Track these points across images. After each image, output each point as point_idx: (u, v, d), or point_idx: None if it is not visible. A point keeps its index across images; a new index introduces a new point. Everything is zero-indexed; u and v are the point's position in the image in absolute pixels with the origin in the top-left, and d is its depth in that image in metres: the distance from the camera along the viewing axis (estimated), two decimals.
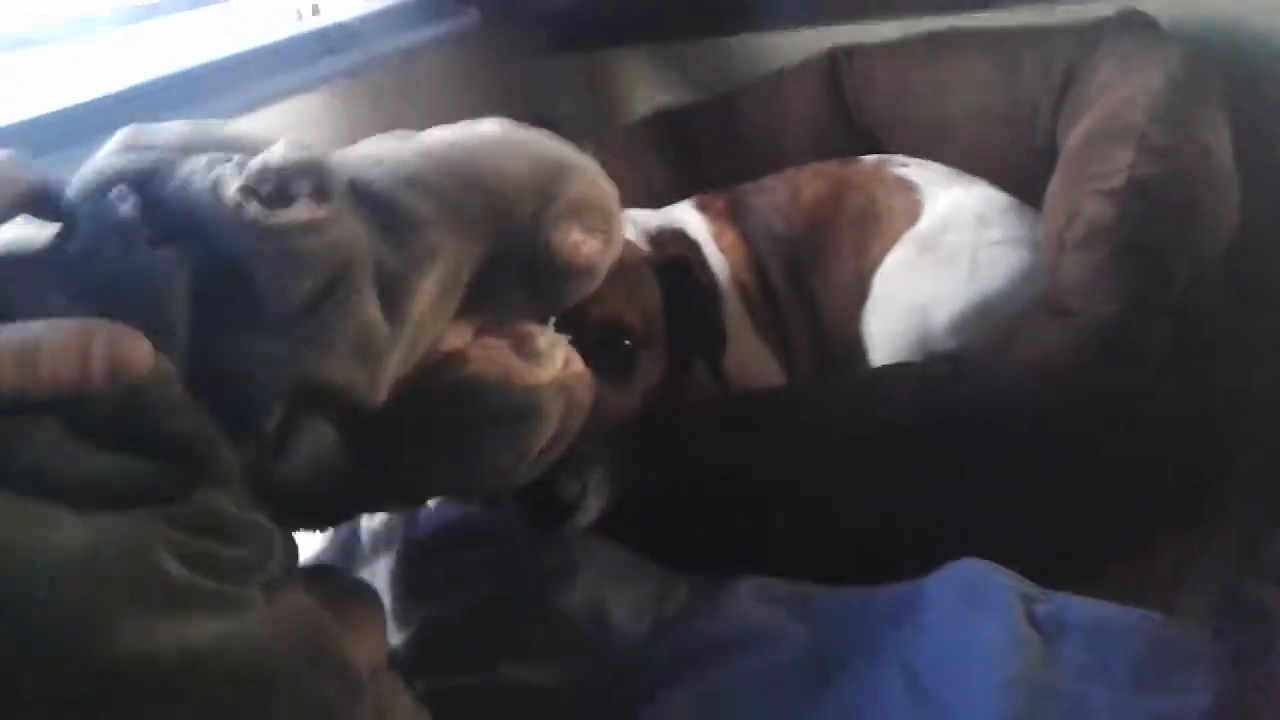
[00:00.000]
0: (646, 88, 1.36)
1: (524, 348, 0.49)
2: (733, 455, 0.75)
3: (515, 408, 0.47)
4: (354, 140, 0.48)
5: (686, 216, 1.02)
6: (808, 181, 1.01)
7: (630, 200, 1.18)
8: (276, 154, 0.39)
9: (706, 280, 0.88)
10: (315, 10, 1.12)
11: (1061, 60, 1.01)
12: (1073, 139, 0.88)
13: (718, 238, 1.00)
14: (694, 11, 1.31)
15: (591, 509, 0.70)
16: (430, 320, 0.44)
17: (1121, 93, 0.88)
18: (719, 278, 0.96)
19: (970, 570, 0.63)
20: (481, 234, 0.45)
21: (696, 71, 1.34)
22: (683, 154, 1.21)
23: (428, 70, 1.26)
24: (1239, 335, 0.85)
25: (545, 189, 0.48)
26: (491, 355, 0.47)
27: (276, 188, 0.39)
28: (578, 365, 0.52)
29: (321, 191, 0.40)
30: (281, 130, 0.45)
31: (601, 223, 0.51)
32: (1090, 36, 1.01)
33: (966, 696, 0.56)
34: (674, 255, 0.84)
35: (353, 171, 0.43)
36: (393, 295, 0.41)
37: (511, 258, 0.47)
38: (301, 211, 0.39)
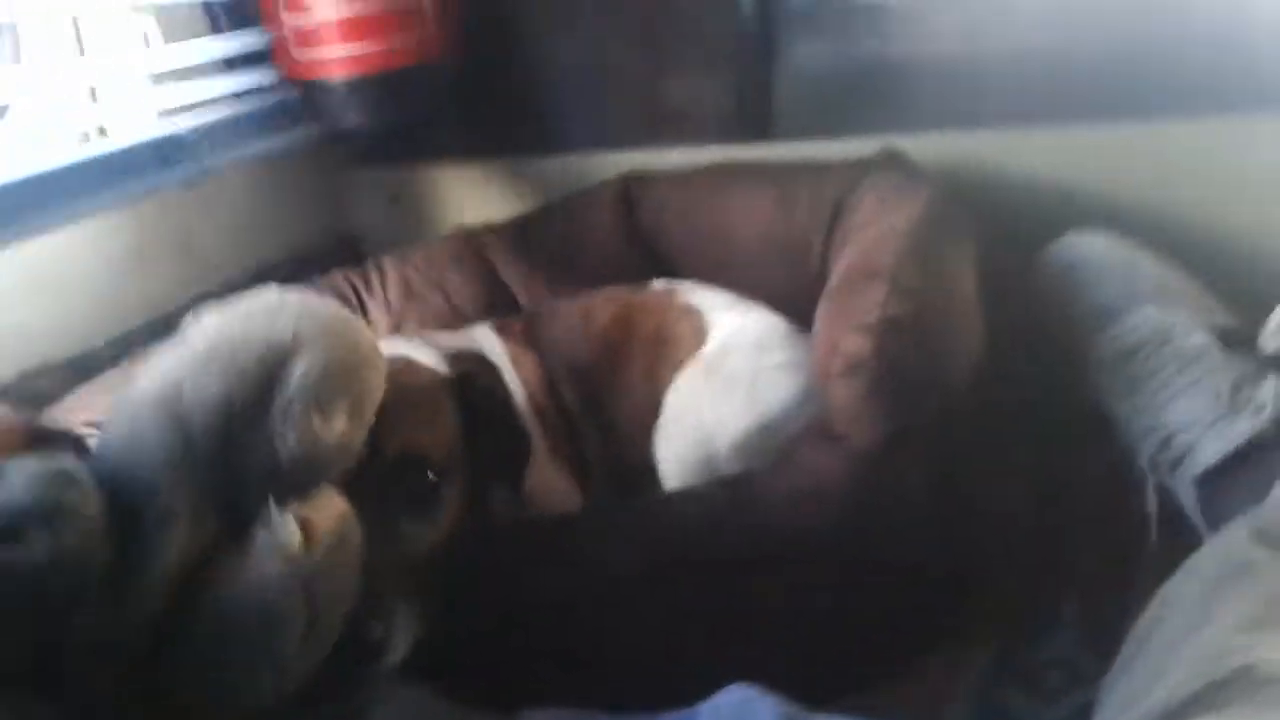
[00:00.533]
0: (451, 205, 1.38)
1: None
2: (519, 584, 0.76)
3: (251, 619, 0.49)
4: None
5: (484, 339, 1.04)
6: (601, 307, 1.05)
7: (431, 315, 1.20)
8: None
9: (504, 396, 0.90)
10: (102, 132, 1.09)
11: (831, 195, 1.10)
12: (834, 275, 0.96)
13: (515, 361, 1.02)
14: (495, 133, 1.35)
15: (399, 647, 0.70)
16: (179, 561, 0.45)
17: (877, 230, 0.97)
18: (517, 400, 0.98)
19: (740, 695, 0.66)
20: (215, 465, 0.46)
21: (500, 190, 1.37)
22: (482, 271, 1.23)
23: (234, 186, 1.26)
24: (990, 456, 0.93)
25: (271, 379, 0.49)
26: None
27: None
28: (323, 517, 0.53)
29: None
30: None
31: (343, 397, 0.51)
32: (855, 174, 1.10)
33: None
34: (471, 373, 0.85)
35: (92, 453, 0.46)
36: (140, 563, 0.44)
37: (249, 466, 0.48)
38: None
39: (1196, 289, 0.98)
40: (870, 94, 1.19)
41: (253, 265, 1.26)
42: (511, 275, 1.23)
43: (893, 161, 1.10)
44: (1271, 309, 0.90)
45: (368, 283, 1.21)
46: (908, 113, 1.16)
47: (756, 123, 1.24)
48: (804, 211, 1.12)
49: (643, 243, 1.21)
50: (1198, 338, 0.93)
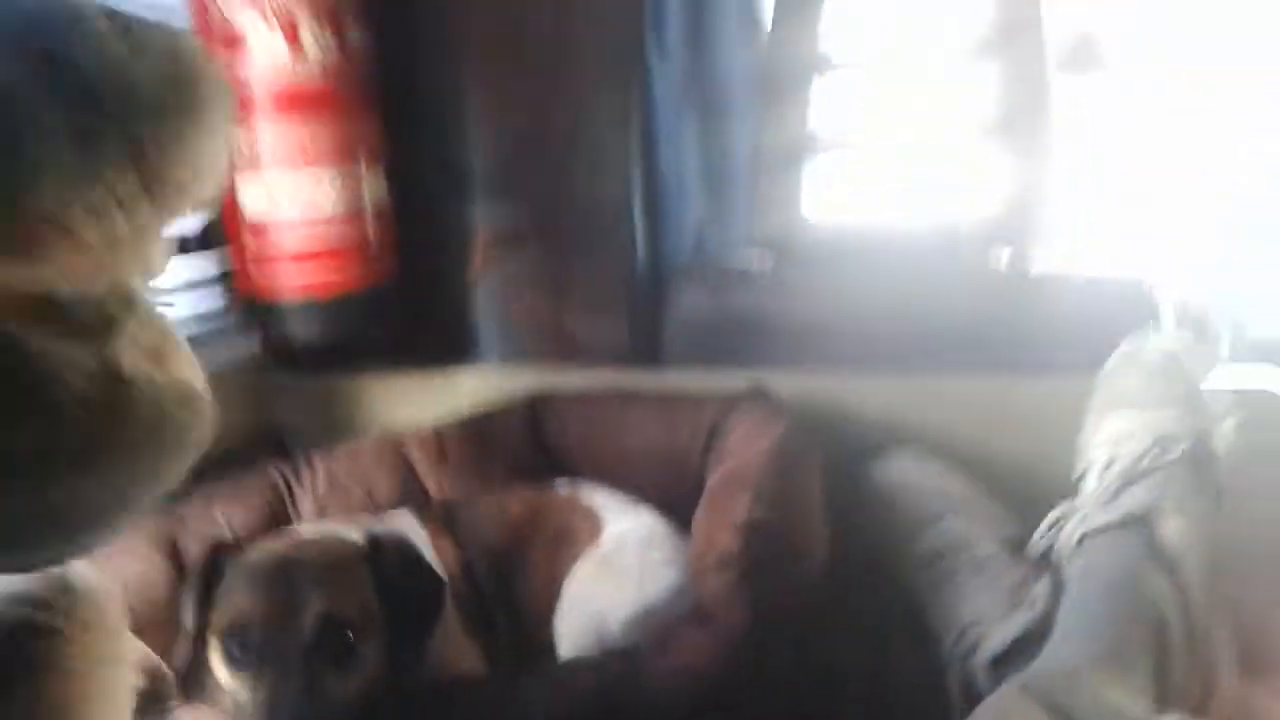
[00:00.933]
0: (375, 410, 1.55)
1: None
2: None
3: None
4: None
5: (406, 522, 1.20)
6: (512, 502, 1.23)
7: (354, 505, 1.34)
8: None
9: (416, 555, 1.05)
10: None
11: (708, 420, 1.32)
12: (711, 482, 1.17)
13: (434, 543, 1.18)
14: (417, 347, 1.54)
15: None
16: None
17: (748, 449, 1.19)
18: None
19: None
20: None
21: (418, 397, 1.54)
22: (402, 470, 1.39)
23: None
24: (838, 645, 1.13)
25: None
26: None
27: None
28: None
29: None
30: None
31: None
32: (729, 403, 1.33)
33: None
34: (382, 536, 1.01)
35: None
36: None
37: None
38: None
39: (989, 504, 1.23)
40: (741, 336, 1.44)
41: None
42: (428, 475, 1.39)
43: (758, 394, 1.33)
44: None
45: (297, 474, 1.36)
46: (771, 353, 1.41)
47: (646, 354, 1.47)
48: (685, 433, 1.34)
49: (547, 451, 1.40)
50: (988, 546, 1.17)
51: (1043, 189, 1.40)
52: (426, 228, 1.50)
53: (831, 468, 1.25)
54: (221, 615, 0.92)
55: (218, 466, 1.28)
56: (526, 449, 1.40)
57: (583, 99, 1.47)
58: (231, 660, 0.90)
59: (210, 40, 1.34)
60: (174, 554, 1.17)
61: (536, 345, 1.51)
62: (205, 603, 0.94)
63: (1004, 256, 1.42)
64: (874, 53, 1.49)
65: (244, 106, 1.34)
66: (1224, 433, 1.14)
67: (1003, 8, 1.41)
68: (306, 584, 0.91)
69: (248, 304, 1.42)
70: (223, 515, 1.24)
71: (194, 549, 1.16)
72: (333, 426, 1.52)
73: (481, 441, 1.40)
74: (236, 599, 0.92)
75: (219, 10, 1.34)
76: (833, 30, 1.47)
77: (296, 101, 1.37)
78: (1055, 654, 0.97)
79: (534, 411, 1.42)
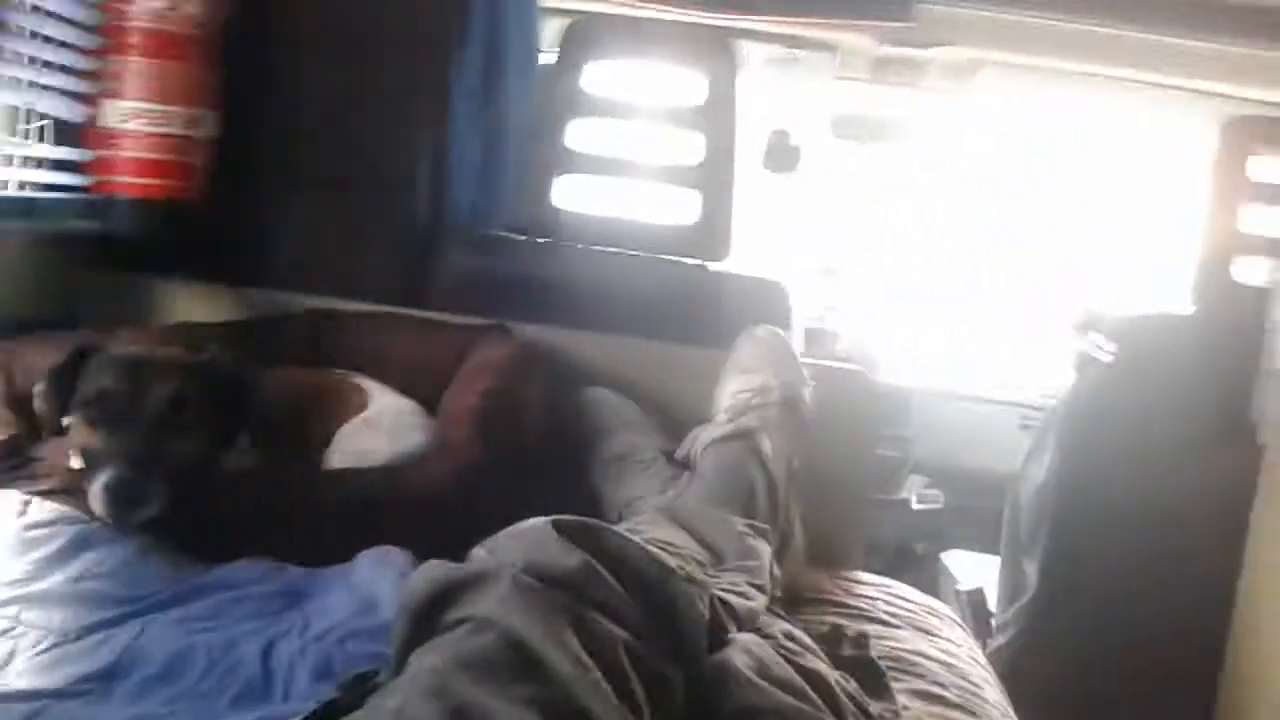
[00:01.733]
0: (171, 313, 1.81)
1: None
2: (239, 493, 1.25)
3: None
4: None
5: None
6: (298, 374, 1.58)
7: None
8: None
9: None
10: None
11: (459, 341, 1.71)
12: (460, 376, 1.57)
13: None
14: (218, 263, 1.83)
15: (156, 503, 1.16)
16: None
17: (486, 357, 1.60)
18: None
19: (379, 550, 1.19)
20: None
21: (211, 308, 1.83)
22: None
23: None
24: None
25: None
26: None
27: None
28: None
29: None
30: None
31: None
32: (477, 332, 1.73)
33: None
34: (216, 359, 1.34)
35: None
36: None
37: None
38: None
39: (656, 428, 1.69)
40: (495, 291, 1.85)
41: None
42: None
43: (501, 329, 1.75)
44: None
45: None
46: (517, 307, 1.81)
47: (417, 296, 1.85)
48: (440, 351, 1.72)
49: (324, 356, 1.74)
50: (651, 453, 1.63)
51: (723, 216, 1.91)
52: (246, 166, 1.82)
53: (553, 389, 1.68)
54: (86, 389, 1.22)
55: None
56: (306, 351, 1.74)
57: (393, 88, 1.87)
58: (90, 422, 1.20)
59: None
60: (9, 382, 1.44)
61: (326, 277, 1.85)
62: (69, 386, 1.23)
63: (693, 257, 1.92)
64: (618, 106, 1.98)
65: (121, 41, 1.65)
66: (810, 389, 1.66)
67: (712, 91, 1.92)
68: (157, 372, 1.23)
69: (91, 200, 1.69)
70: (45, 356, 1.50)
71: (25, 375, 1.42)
72: (131, 320, 1.78)
73: (267, 338, 1.72)
74: (100, 377, 1.22)
75: None
76: (591, 81, 1.94)
77: (163, 45, 1.69)
78: (681, 498, 1.43)
79: (315, 321, 1.76)
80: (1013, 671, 2.02)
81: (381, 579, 1.14)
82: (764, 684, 0.98)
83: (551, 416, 1.65)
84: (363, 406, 1.55)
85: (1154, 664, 2.00)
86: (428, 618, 0.87)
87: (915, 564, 3.06)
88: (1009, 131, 3.02)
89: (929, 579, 2.74)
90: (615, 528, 1.03)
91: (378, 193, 1.86)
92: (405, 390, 1.64)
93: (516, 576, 0.87)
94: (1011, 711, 1.36)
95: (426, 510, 1.33)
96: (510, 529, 1.00)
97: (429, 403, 1.61)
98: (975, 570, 2.65)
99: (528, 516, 0.97)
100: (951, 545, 2.90)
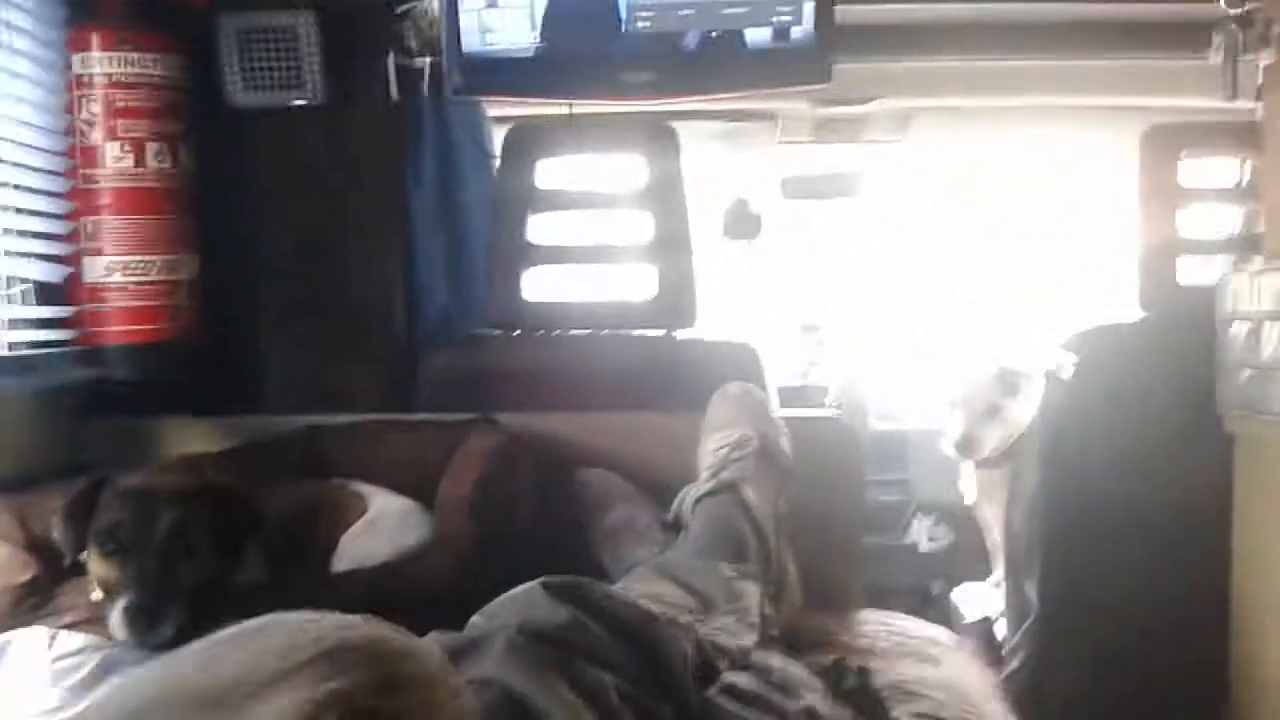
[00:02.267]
0: (174, 449, 1.89)
1: None
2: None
3: None
4: None
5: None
6: (299, 486, 1.65)
7: None
8: None
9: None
10: None
11: (448, 439, 1.79)
12: (452, 462, 1.65)
13: None
14: (213, 397, 1.92)
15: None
16: None
17: (471, 449, 1.68)
18: None
19: None
20: None
21: (209, 440, 1.91)
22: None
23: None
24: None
25: None
26: None
27: None
28: None
29: None
30: None
31: None
32: (464, 427, 1.81)
33: None
34: (217, 483, 1.42)
35: None
36: None
37: None
38: None
39: (647, 497, 1.76)
40: (477, 387, 1.94)
41: None
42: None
43: (486, 421, 1.83)
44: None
45: None
46: (500, 400, 1.90)
47: (401, 402, 1.94)
48: (430, 450, 1.80)
49: (321, 467, 1.82)
50: (645, 521, 1.69)
51: (685, 288, 2.01)
52: (229, 302, 1.93)
53: (542, 472, 1.76)
54: (99, 523, 1.29)
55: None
56: (304, 466, 1.82)
57: (355, 212, 1.99)
58: (105, 553, 1.28)
59: (71, 152, 1.77)
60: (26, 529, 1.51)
61: (311, 396, 1.94)
62: (84, 520, 1.31)
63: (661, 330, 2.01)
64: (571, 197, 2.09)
65: (94, 202, 1.77)
66: (787, 438, 1.74)
67: (653, 172, 2.03)
68: (162, 500, 1.31)
69: (83, 351, 1.79)
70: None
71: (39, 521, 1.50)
72: (135, 461, 1.86)
73: (265, 459, 1.80)
74: (111, 510, 1.30)
75: (82, 133, 1.77)
76: (548, 175, 2.06)
77: (136, 201, 1.80)
78: (672, 555, 1.50)
79: (309, 437, 1.84)
80: (1029, 694, 2.06)
81: None
82: (751, 713, 1.04)
83: (543, 498, 1.73)
84: (363, 511, 1.62)
85: (1163, 665, 2.03)
86: None
87: (932, 605, 3.08)
88: (951, 172, 3.15)
89: (943, 617, 2.77)
90: (599, 583, 1.10)
91: (353, 311, 1.97)
92: (402, 490, 1.72)
93: (510, 637, 0.95)
94: None
95: (430, 600, 1.40)
96: (503, 595, 1.08)
97: (425, 499, 1.69)
98: (988, 601, 2.68)
99: None
100: (967, 579, 2.93)
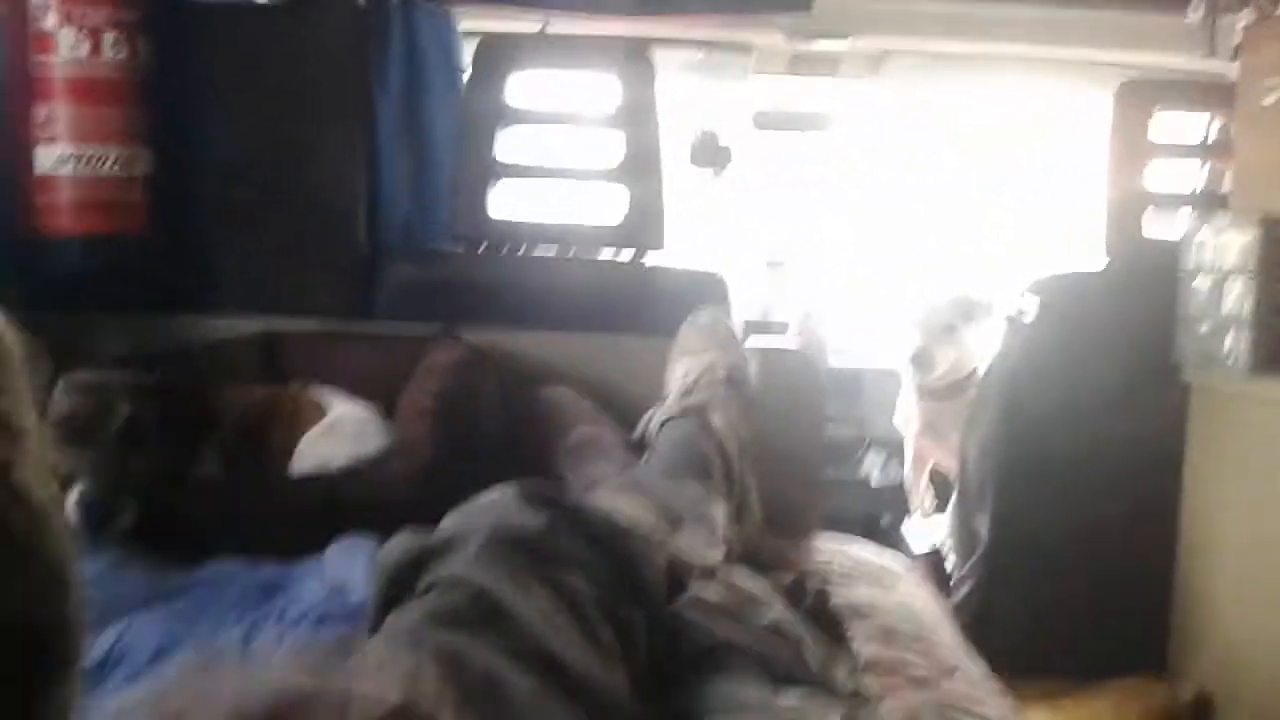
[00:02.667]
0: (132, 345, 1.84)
1: None
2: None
3: None
4: None
5: None
6: (255, 392, 1.62)
7: None
8: None
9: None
10: None
11: (410, 353, 1.76)
12: (412, 383, 1.62)
13: None
14: (160, 293, 1.86)
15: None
16: None
17: (433, 363, 1.65)
18: None
19: (349, 539, 1.23)
20: None
21: (156, 339, 1.86)
22: None
23: None
24: None
25: None
26: None
27: None
28: None
29: None
30: None
31: None
32: (426, 341, 1.78)
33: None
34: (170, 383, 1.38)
35: None
36: None
37: None
38: None
39: (612, 419, 1.75)
40: (440, 300, 1.90)
41: None
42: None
43: (448, 335, 1.80)
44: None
45: None
46: (463, 314, 1.87)
47: (364, 311, 1.90)
48: (392, 362, 1.77)
49: (279, 373, 1.78)
50: (610, 441, 1.68)
51: (653, 212, 1.98)
52: (185, 200, 1.86)
53: (504, 388, 1.73)
54: (52, 412, 1.25)
55: None
56: (261, 370, 1.78)
57: (317, 117, 1.93)
58: (57, 442, 1.24)
59: (23, 38, 1.69)
60: None
61: (273, 298, 1.89)
62: (39, 409, 1.26)
63: (628, 253, 1.99)
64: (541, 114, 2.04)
65: (48, 90, 1.68)
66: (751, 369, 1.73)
67: (626, 93, 1.99)
68: (118, 394, 1.27)
69: (33, 243, 1.72)
70: None
71: None
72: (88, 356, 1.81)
73: (226, 360, 1.76)
74: (64, 401, 1.26)
75: (35, 19, 1.68)
76: (516, 91, 2.00)
77: (91, 91, 1.72)
78: (638, 473, 1.49)
79: (267, 342, 1.80)
80: (976, 622, 2.10)
81: (352, 565, 1.19)
82: (719, 624, 1.04)
83: (506, 415, 1.70)
84: (321, 416, 1.59)
85: (1108, 605, 2.08)
86: (402, 583, 0.92)
87: (881, 537, 3.13)
88: (924, 116, 3.14)
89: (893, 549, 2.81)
90: (572, 493, 1.09)
91: (313, 217, 1.92)
92: (360, 399, 1.69)
93: (485, 539, 0.93)
94: (963, 648, 1.42)
95: (387, 508, 1.38)
96: (478, 499, 1.06)
97: (385, 410, 1.66)
98: (934, 533, 2.72)
99: None
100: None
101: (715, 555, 1.25)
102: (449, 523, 1.02)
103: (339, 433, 1.55)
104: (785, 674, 0.93)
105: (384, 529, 1.30)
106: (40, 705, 0.35)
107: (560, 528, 0.98)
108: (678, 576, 1.13)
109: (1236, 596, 1.92)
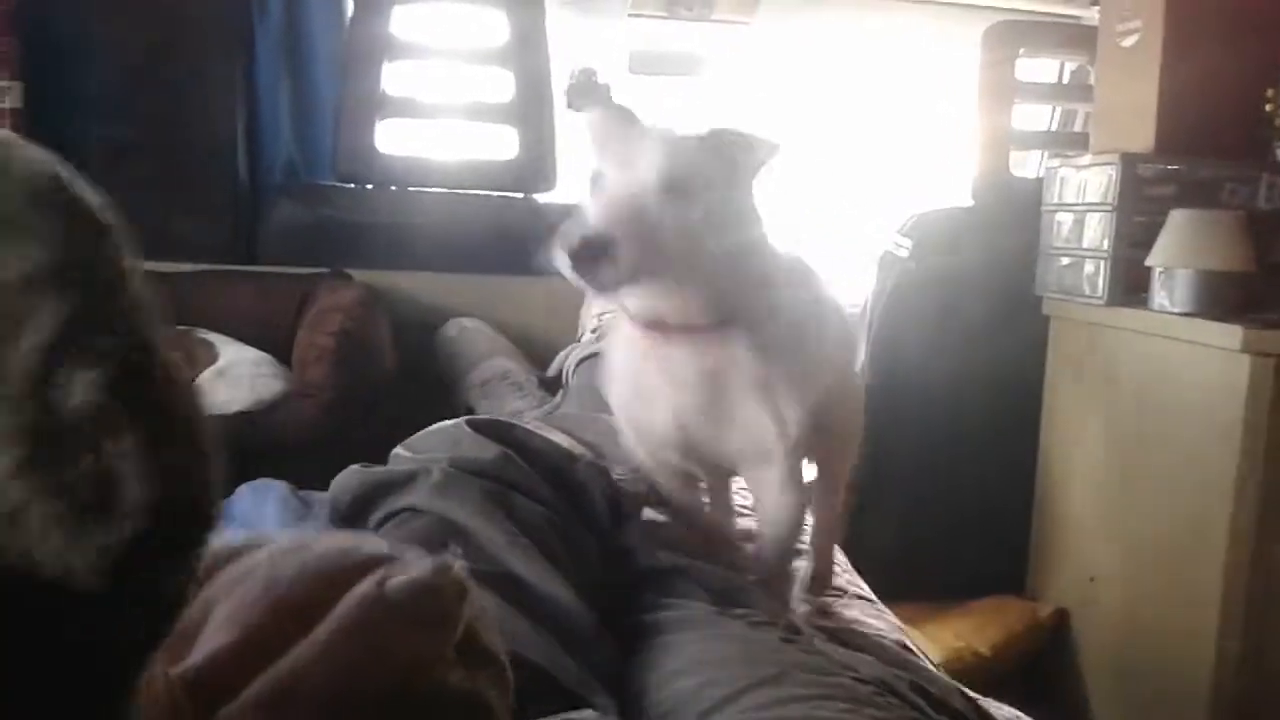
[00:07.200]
0: None
1: None
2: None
3: None
4: None
5: None
6: None
7: None
8: None
9: None
10: None
11: (298, 293, 1.71)
12: (308, 313, 1.57)
13: None
14: None
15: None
16: None
17: (327, 303, 1.60)
18: None
19: (257, 482, 1.19)
20: None
21: None
22: None
23: None
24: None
25: None
26: None
27: None
28: None
29: None
30: None
31: None
32: (315, 280, 1.72)
33: None
34: None
35: None
36: None
37: None
38: None
39: (518, 352, 1.74)
40: (326, 240, 1.84)
41: None
42: None
43: (339, 275, 1.74)
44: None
45: None
46: (351, 254, 1.82)
47: (246, 252, 1.82)
48: (278, 303, 1.71)
49: (166, 313, 1.69)
50: (523, 376, 1.68)
51: (544, 150, 1.96)
52: (56, 135, 1.73)
53: (403, 327, 1.70)
54: None
55: None
56: None
57: (194, 51, 1.82)
58: None
59: None
60: None
61: (150, 243, 1.78)
62: None
63: (518, 191, 1.96)
64: (429, 49, 1.98)
65: None
66: None
67: (514, 28, 1.95)
68: None
69: None
70: None
71: None
72: None
73: None
74: None
75: None
76: (405, 23, 1.94)
77: None
78: (558, 410, 1.49)
79: (154, 283, 1.70)
80: (849, 544, 2.18)
81: (263, 505, 1.15)
82: (662, 548, 1.07)
83: (403, 354, 1.67)
84: (213, 360, 1.53)
85: (972, 527, 2.19)
86: (356, 518, 0.91)
87: None
88: (797, 59, 3.18)
89: None
90: (519, 424, 1.10)
91: (190, 154, 1.82)
92: (248, 341, 1.64)
93: (445, 470, 0.93)
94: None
95: (295, 450, 1.35)
96: (424, 431, 1.05)
97: (274, 350, 1.61)
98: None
99: (393, 448, 1.06)
100: None
101: (641, 486, 1.27)
102: (401, 453, 1.02)
103: (233, 376, 1.50)
104: (729, 597, 0.96)
105: (292, 471, 1.28)
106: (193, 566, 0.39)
107: (513, 456, 0.99)
108: (617, 502, 1.15)
109: (1091, 520, 2.05)
